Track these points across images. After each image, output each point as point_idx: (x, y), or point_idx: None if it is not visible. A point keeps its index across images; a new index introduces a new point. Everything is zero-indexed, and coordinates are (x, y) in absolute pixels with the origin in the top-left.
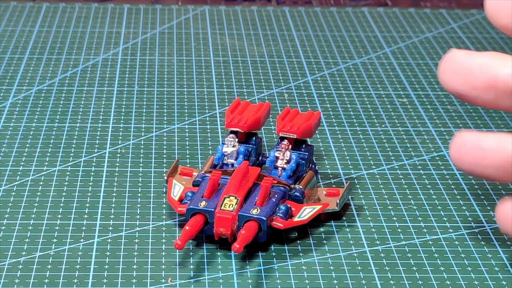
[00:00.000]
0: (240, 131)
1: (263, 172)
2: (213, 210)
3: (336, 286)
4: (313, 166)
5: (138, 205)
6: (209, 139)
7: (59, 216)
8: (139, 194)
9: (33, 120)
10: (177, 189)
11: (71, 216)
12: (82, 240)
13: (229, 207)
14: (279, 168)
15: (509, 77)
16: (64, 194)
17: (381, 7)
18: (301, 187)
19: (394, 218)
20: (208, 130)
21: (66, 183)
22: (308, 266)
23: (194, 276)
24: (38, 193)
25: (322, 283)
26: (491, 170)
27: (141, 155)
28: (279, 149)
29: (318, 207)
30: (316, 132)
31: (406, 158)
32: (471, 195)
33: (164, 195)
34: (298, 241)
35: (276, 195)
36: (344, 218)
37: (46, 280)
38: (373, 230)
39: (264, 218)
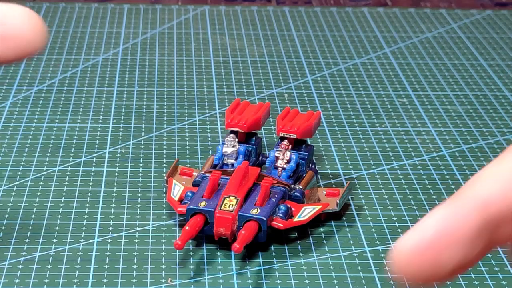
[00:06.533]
0: (240, 131)
1: (263, 172)
2: (213, 210)
3: (336, 286)
4: (313, 166)
5: (138, 205)
6: (209, 139)
7: (59, 216)
8: (139, 194)
9: (33, 120)
10: (177, 189)
11: (71, 216)
12: (82, 240)
13: (229, 207)
14: (279, 168)
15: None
16: (64, 194)
17: (381, 7)
18: (301, 187)
19: (394, 218)
20: (208, 130)
21: (66, 183)
22: (308, 266)
23: (194, 276)
24: (38, 193)
25: (322, 283)
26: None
27: (141, 155)
28: (279, 149)
29: (318, 207)
30: (316, 132)
31: (406, 158)
32: None
33: (164, 195)
34: (298, 241)
35: (276, 195)
36: (344, 218)
37: (46, 280)
38: (373, 230)
39: (264, 218)
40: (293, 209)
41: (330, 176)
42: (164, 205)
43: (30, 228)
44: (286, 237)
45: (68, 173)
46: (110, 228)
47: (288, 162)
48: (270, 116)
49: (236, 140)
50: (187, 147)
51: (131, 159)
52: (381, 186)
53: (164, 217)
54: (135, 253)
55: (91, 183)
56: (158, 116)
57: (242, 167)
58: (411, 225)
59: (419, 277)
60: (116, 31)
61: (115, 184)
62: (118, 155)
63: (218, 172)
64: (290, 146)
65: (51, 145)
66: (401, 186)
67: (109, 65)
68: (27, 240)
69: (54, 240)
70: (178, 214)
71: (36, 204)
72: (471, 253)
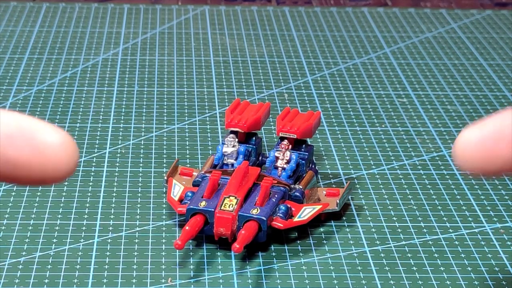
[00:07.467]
0: (240, 131)
1: (263, 172)
2: (213, 210)
3: (336, 286)
4: (313, 166)
5: (138, 205)
6: (209, 139)
7: (59, 216)
8: (139, 194)
9: None
10: (177, 189)
11: (71, 216)
12: (82, 240)
13: (229, 207)
14: (279, 168)
15: None
16: (64, 194)
17: (381, 7)
18: (301, 187)
19: (394, 218)
20: (208, 130)
21: (66, 183)
22: (308, 266)
23: (194, 276)
24: (38, 193)
25: (322, 283)
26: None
27: (141, 155)
28: (279, 149)
29: (318, 207)
30: (316, 132)
31: (406, 158)
32: (471, 195)
33: (164, 195)
34: (298, 241)
35: (276, 195)
36: (344, 218)
37: (46, 280)
38: (373, 230)
39: (264, 218)
40: (293, 209)
41: (330, 176)
42: (164, 205)
43: (30, 228)
44: (286, 237)
45: None
46: (110, 228)
47: (288, 162)
48: (270, 116)
49: (236, 140)
50: (187, 147)
51: (131, 159)
52: (381, 186)
53: (164, 217)
54: (135, 253)
55: (91, 183)
56: (158, 116)
57: (242, 167)
58: (411, 225)
59: (482, 168)
60: (116, 31)
61: (115, 184)
62: (118, 155)
63: (218, 172)
64: (290, 146)
65: None
66: (401, 186)
67: (109, 65)
68: (27, 240)
69: (54, 240)
70: (178, 214)
71: (36, 204)
72: None
